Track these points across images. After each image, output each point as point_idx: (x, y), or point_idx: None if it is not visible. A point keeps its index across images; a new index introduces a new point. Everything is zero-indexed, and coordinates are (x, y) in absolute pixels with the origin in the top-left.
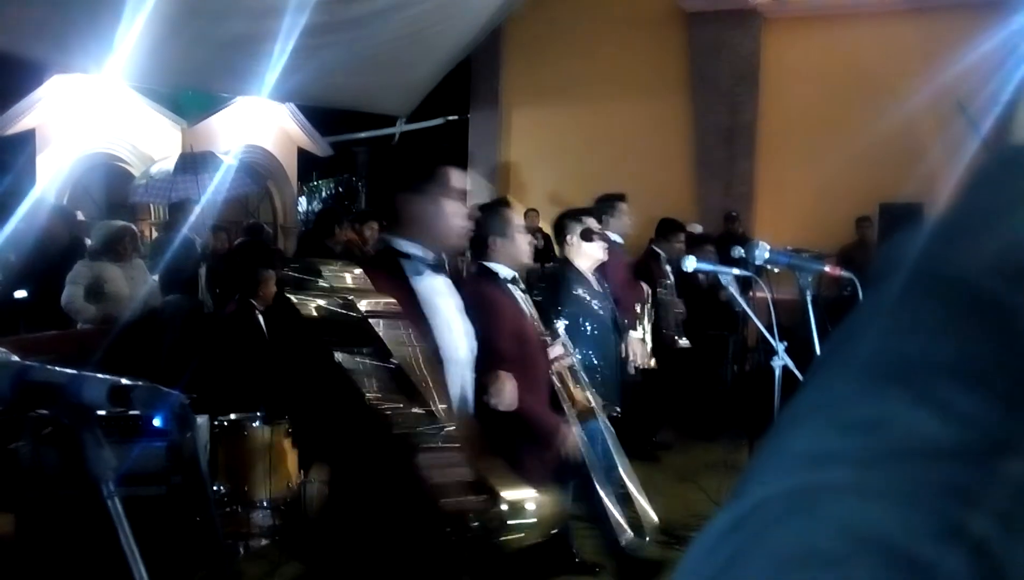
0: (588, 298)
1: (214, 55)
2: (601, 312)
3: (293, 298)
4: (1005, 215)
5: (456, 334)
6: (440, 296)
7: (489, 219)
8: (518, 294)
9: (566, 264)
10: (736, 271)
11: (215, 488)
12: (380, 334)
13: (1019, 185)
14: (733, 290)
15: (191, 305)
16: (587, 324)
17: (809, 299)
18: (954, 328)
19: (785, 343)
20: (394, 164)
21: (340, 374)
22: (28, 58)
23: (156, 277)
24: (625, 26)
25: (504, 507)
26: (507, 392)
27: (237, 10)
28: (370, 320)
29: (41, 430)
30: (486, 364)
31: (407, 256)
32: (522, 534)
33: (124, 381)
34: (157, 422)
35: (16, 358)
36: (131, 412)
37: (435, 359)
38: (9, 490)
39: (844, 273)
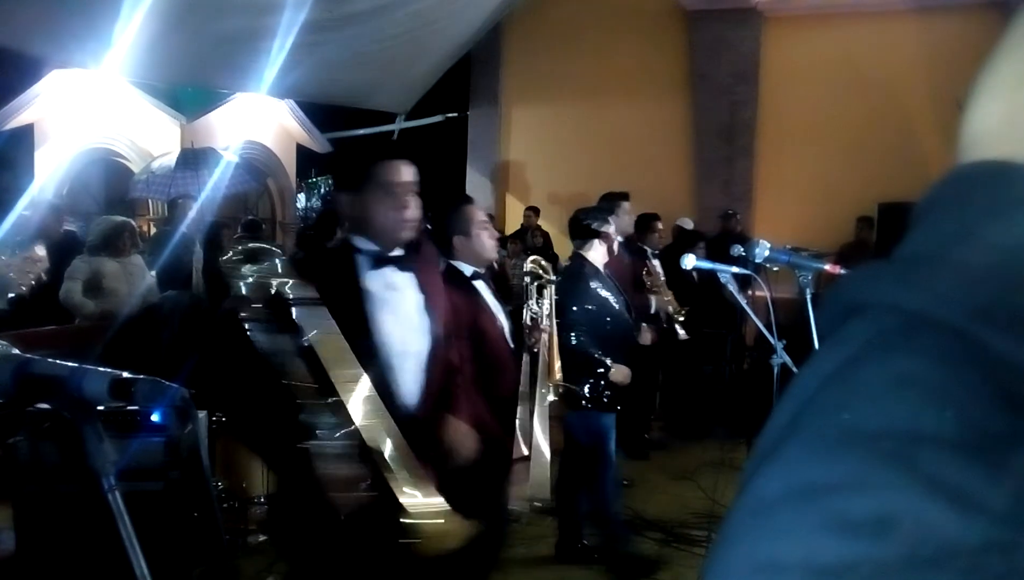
0: (604, 292)
1: (213, 51)
2: (616, 306)
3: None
4: (980, 247)
5: (406, 328)
6: (394, 290)
7: (451, 218)
8: (484, 291)
9: (583, 260)
10: (735, 269)
11: (213, 484)
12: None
13: (983, 208)
14: (732, 288)
15: (190, 301)
16: (606, 318)
17: (808, 298)
18: (949, 389)
19: (784, 341)
20: (336, 168)
21: (256, 354)
22: (26, 53)
23: (154, 273)
24: (625, 24)
25: (404, 509)
26: (465, 444)
27: (236, 6)
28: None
29: (40, 424)
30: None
31: (360, 251)
32: (431, 539)
33: (126, 375)
34: (156, 417)
35: (16, 351)
36: (130, 407)
37: (345, 352)
38: (8, 485)
39: (844, 272)
